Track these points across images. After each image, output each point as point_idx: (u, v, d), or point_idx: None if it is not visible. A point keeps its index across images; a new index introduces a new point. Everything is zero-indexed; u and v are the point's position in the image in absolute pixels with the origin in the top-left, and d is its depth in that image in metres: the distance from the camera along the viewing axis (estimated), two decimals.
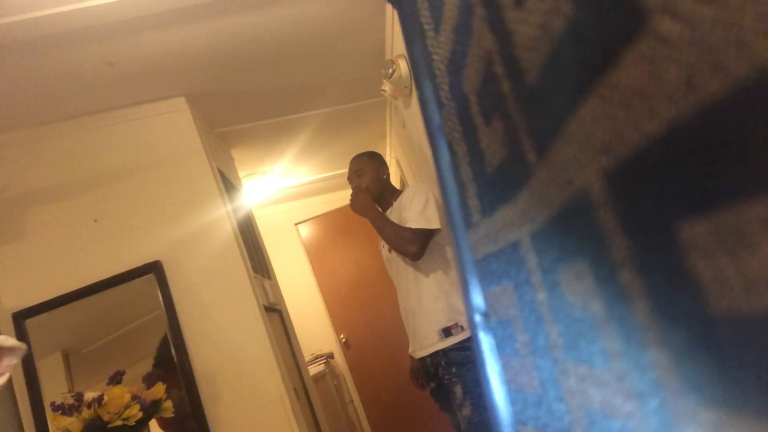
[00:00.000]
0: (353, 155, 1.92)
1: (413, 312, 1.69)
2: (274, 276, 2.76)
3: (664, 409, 0.23)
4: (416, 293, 1.67)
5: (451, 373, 1.57)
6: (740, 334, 0.18)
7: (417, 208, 1.63)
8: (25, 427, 1.76)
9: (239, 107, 2.50)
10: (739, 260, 0.18)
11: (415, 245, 1.59)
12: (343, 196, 4.19)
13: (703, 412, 0.21)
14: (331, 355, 3.86)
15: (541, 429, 0.38)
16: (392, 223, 1.68)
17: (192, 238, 2.02)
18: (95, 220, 1.99)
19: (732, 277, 0.18)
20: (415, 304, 1.67)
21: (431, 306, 1.63)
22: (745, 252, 0.18)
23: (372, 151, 1.94)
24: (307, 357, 3.38)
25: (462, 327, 1.58)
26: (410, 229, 1.60)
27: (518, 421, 0.42)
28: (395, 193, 1.85)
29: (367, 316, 3.91)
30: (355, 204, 1.79)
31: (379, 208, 1.82)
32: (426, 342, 1.64)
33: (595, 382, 0.29)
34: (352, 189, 1.87)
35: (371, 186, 1.83)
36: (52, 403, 1.52)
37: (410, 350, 1.77)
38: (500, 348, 0.44)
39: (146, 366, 1.90)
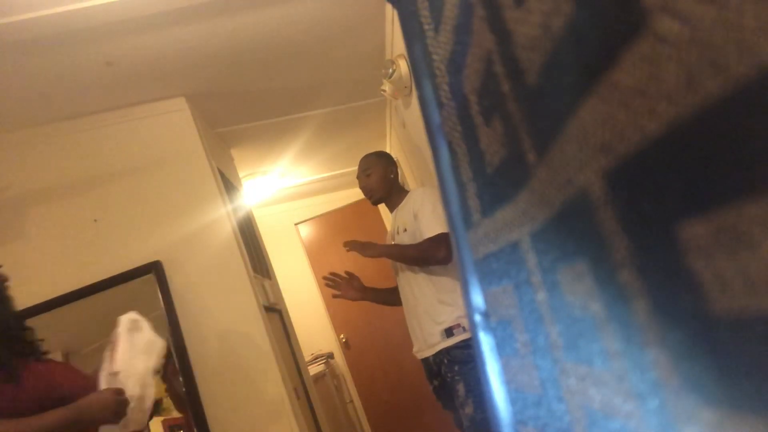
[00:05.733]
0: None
1: (417, 313, 1.70)
2: (274, 276, 2.76)
3: (664, 409, 0.23)
4: (421, 295, 1.69)
5: (454, 371, 1.58)
6: (740, 334, 0.18)
7: (431, 214, 1.64)
8: None
9: (239, 107, 2.50)
10: (739, 260, 0.18)
11: (442, 249, 1.59)
12: (343, 196, 4.19)
13: (703, 412, 0.21)
14: (331, 355, 3.86)
15: (541, 429, 0.38)
16: (408, 245, 1.69)
17: (192, 238, 2.01)
18: (95, 220, 1.99)
19: (732, 277, 0.18)
20: (421, 306, 1.69)
21: (437, 308, 1.64)
22: (745, 252, 0.17)
23: (381, 151, 1.95)
24: (307, 357, 3.37)
25: (464, 328, 1.59)
26: (430, 238, 1.61)
27: (518, 421, 0.42)
28: (402, 194, 1.85)
29: (367, 316, 3.91)
30: (365, 254, 1.76)
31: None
32: (429, 342, 1.65)
33: (595, 382, 0.29)
34: (360, 187, 1.89)
35: (378, 185, 1.84)
36: None
37: (413, 350, 1.77)
38: (500, 348, 0.44)
39: None
